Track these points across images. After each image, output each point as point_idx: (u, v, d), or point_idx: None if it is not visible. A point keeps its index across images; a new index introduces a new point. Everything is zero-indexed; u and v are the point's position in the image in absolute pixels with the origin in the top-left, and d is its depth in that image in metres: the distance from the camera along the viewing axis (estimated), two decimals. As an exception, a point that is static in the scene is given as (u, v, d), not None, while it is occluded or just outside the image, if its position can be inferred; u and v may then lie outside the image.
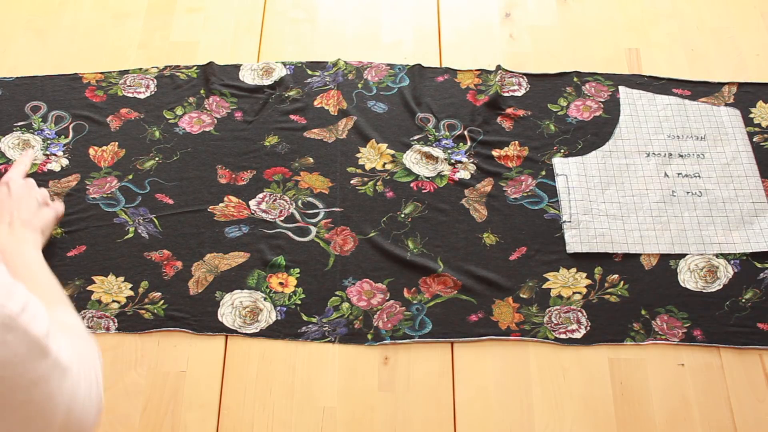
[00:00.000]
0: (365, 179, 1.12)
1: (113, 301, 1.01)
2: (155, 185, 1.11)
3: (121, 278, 1.03)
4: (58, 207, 1.04)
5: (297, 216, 1.09)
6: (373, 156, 1.14)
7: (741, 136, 1.16)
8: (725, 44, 1.28)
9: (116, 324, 0.99)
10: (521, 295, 1.02)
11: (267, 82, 1.22)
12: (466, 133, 1.17)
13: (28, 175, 1.08)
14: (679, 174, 1.13)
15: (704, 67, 1.25)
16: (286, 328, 1.00)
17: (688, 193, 1.11)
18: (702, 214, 1.09)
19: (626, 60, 1.26)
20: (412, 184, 1.12)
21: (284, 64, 1.24)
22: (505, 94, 1.21)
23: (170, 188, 1.11)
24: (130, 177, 1.12)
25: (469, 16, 1.32)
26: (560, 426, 0.94)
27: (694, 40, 1.29)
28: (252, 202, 1.10)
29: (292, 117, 1.18)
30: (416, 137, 1.16)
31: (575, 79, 1.23)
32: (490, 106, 1.19)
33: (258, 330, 1.00)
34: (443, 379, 0.97)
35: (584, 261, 1.05)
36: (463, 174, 1.13)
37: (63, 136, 1.15)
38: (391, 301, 1.02)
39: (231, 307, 1.01)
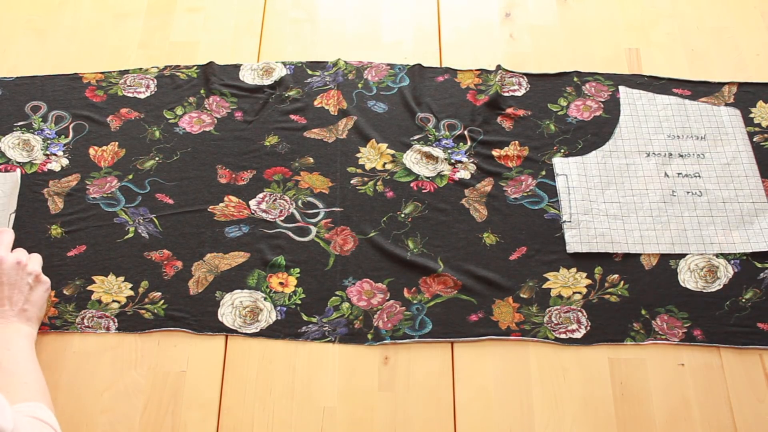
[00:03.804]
0: (365, 179, 1.12)
1: (113, 301, 1.01)
2: (155, 185, 1.11)
3: (121, 278, 1.03)
4: (47, 280, 0.98)
5: (297, 216, 1.09)
6: (373, 156, 1.14)
7: (741, 136, 1.16)
8: (725, 44, 1.28)
9: (116, 324, 0.99)
10: (521, 295, 1.02)
11: (267, 81, 1.22)
12: (466, 132, 1.17)
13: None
14: (679, 174, 1.13)
15: (704, 67, 1.25)
16: (286, 328, 1.00)
17: (688, 193, 1.11)
18: (702, 214, 1.09)
19: (626, 60, 1.26)
20: (412, 184, 1.12)
21: (284, 63, 1.24)
22: (505, 94, 1.20)
23: (170, 188, 1.11)
24: (130, 177, 1.12)
25: (469, 16, 1.32)
26: (560, 426, 0.94)
27: (694, 40, 1.28)
28: (252, 202, 1.10)
29: (292, 117, 1.18)
30: (416, 137, 1.16)
31: (575, 79, 1.23)
32: (490, 105, 1.19)
33: (258, 330, 1.00)
34: (443, 379, 0.97)
35: (584, 261, 1.05)
36: (463, 174, 1.13)
37: (63, 136, 1.15)
38: (391, 301, 1.02)
39: (231, 306, 1.01)
